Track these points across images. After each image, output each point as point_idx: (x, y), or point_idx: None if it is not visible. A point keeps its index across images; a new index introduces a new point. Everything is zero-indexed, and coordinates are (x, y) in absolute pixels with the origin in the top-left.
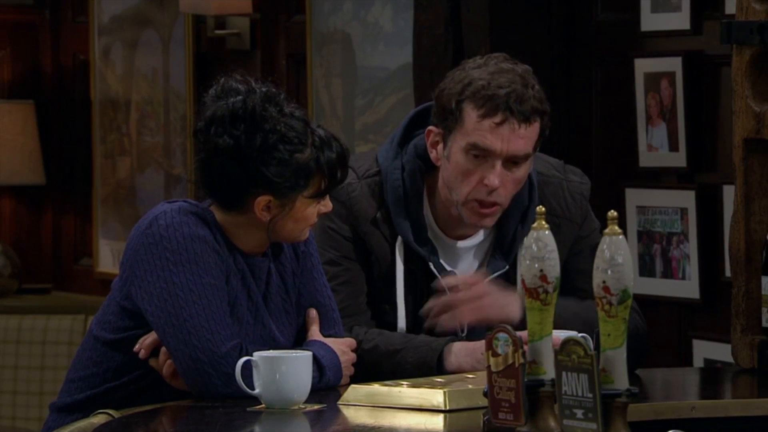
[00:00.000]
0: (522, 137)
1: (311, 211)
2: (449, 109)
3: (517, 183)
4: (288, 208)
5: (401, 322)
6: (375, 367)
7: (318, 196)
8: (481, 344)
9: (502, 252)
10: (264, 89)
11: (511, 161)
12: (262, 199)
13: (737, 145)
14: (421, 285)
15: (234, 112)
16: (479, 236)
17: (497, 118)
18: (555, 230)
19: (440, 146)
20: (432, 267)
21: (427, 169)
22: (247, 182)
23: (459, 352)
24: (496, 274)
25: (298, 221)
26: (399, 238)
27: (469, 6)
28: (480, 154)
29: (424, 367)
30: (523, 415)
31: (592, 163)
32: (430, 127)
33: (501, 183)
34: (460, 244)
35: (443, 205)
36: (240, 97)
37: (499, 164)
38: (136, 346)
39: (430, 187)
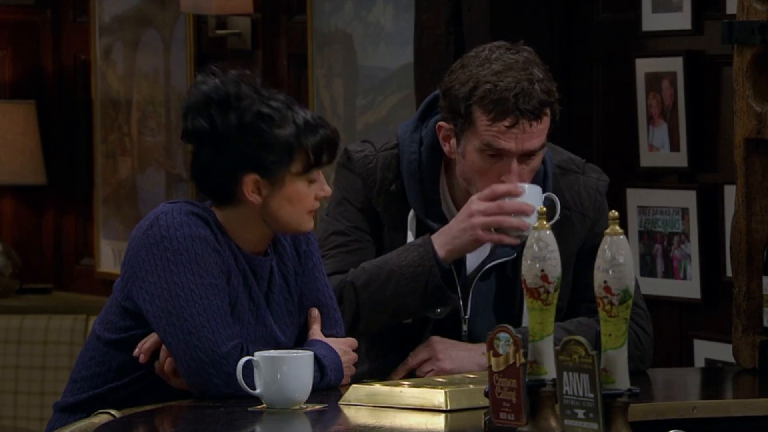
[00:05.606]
0: (535, 133)
1: (304, 192)
2: (458, 111)
3: (533, 171)
4: (277, 186)
5: None
6: (367, 288)
7: (306, 172)
8: (451, 224)
9: None
10: (237, 72)
11: (527, 156)
12: (249, 179)
13: (738, 145)
14: None
15: (207, 95)
16: None
17: (507, 122)
18: (565, 222)
19: (453, 141)
20: None
21: None
22: (230, 164)
23: (438, 238)
24: (503, 260)
25: (293, 202)
26: (411, 211)
27: (470, 6)
28: (495, 153)
29: (424, 265)
30: (524, 415)
31: (593, 163)
32: (441, 123)
33: (518, 177)
34: None
35: (461, 183)
36: (213, 82)
37: (514, 162)
38: (136, 351)
39: (448, 162)
